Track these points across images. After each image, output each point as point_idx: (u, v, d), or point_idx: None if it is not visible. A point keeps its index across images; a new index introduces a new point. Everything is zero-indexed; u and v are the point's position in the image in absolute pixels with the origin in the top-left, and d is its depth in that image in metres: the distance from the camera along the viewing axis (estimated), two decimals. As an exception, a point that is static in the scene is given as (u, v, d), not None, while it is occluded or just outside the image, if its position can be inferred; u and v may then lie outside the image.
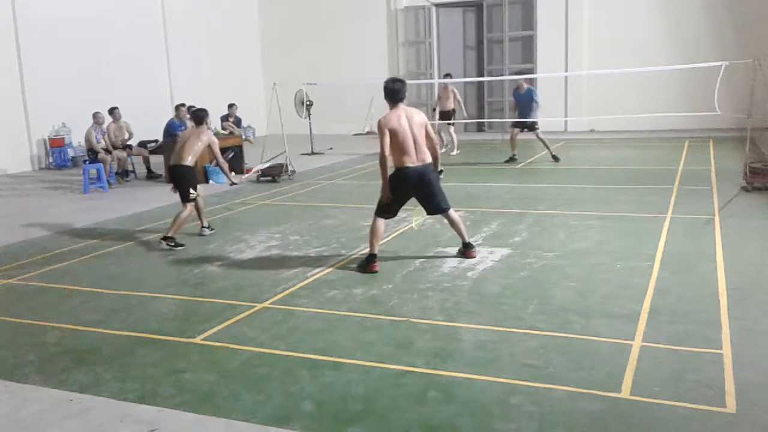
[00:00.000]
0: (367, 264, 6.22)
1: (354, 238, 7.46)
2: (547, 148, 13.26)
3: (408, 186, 6.23)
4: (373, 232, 6.27)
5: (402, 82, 6.24)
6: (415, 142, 6.11)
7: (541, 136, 13.27)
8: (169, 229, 7.48)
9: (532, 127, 13.28)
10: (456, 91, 15.31)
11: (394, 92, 6.16)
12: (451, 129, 15.42)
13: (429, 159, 6.21)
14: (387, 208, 6.33)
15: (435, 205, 6.38)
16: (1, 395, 3.98)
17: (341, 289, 5.67)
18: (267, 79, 20.17)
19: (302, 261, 6.59)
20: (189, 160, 7.70)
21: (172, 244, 7.36)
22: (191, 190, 7.65)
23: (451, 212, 6.44)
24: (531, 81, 18.69)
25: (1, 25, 14.46)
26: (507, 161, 13.27)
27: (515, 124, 13.56)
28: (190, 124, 13.01)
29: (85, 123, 12.62)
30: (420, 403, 3.63)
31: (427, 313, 5.03)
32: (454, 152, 15.04)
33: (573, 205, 8.78)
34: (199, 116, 8.00)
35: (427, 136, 6.22)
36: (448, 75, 15.97)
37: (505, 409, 3.53)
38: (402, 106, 6.18)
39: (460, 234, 6.50)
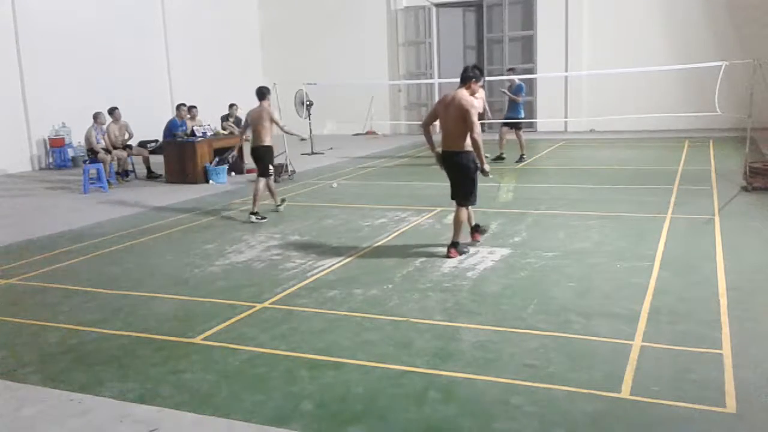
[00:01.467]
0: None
1: (354, 238, 7.46)
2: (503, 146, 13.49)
3: (444, 167, 6.56)
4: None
5: (478, 69, 6.51)
6: (444, 128, 6.39)
7: (512, 136, 13.42)
8: (253, 205, 8.69)
9: (518, 125, 13.34)
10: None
11: (462, 74, 6.43)
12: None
13: (456, 148, 6.33)
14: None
15: (455, 194, 6.56)
16: (1, 395, 3.97)
17: (341, 289, 5.67)
18: (267, 79, 20.15)
19: (302, 261, 6.59)
20: (267, 141, 8.79)
21: (260, 217, 8.56)
22: (270, 167, 8.85)
23: (462, 210, 6.52)
24: (531, 81, 18.83)
25: (1, 25, 14.46)
26: (495, 159, 13.39)
27: (505, 123, 13.59)
28: (190, 123, 13.05)
29: (85, 123, 12.62)
30: (420, 403, 3.63)
31: (427, 313, 5.03)
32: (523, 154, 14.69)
33: (573, 205, 8.78)
34: (261, 92, 9.01)
35: (469, 128, 6.18)
36: (512, 69, 15.24)
37: (505, 409, 3.53)
38: (459, 91, 6.33)
39: (453, 231, 6.57)
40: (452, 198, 6.64)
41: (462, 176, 6.43)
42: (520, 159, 13.34)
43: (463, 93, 6.31)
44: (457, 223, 6.52)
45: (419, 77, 21.03)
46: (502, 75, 18.42)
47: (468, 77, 6.35)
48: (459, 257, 6.44)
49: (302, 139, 9.27)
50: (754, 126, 10.58)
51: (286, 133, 9.36)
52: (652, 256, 6.24)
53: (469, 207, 6.66)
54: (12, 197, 11.66)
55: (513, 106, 13.40)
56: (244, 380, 4.01)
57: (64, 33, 15.57)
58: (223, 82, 20.33)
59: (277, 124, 8.83)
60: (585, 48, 18.78)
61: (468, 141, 6.25)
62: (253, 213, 8.57)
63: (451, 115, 6.25)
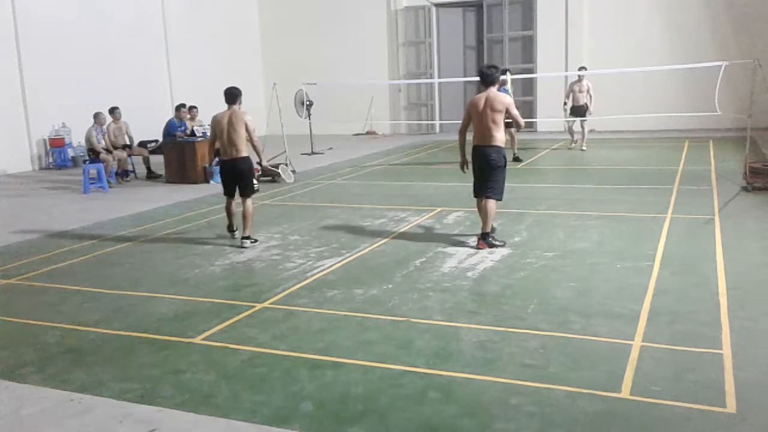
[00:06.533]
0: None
1: (354, 238, 7.46)
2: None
3: (474, 163, 6.84)
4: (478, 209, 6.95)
5: (495, 68, 6.88)
6: (479, 126, 6.69)
7: None
8: (244, 229, 7.24)
9: None
10: (590, 85, 14.73)
11: (483, 76, 6.79)
12: (585, 124, 14.89)
13: (493, 143, 6.65)
14: (474, 187, 6.90)
15: (482, 188, 6.78)
16: (1, 395, 3.97)
17: (341, 289, 5.67)
18: (267, 79, 20.18)
19: (302, 261, 6.59)
20: (245, 151, 7.20)
21: (254, 239, 7.29)
22: (255, 183, 7.31)
23: (490, 202, 6.71)
24: (531, 81, 18.83)
25: (1, 25, 14.46)
26: None
27: None
28: (190, 124, 13.04)
29: (85, 123, 12.61)
30: (420, 403, 3.63)
31: (427, 313, 5.03)
32: (584, 147, 14.69)
33: (573, 205, 8.78)
34: (233, 94, 7.33)
35: (514, 120, 6.72)
36: (583, 68, 15.20)
37: (505, 409, 3.53)
38: (491, 90, 6.71)
39: (483, 223, 6.77)
40: (476, 195, 6.86)
41: (494, 169, 6.69)
42: None
43: (497, 92, 6.72)
44: (486, 215, 6.70)
45: (419, 77, 21.02)
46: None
47: (496, 78, 6.79)
48: (459, 258, 6.44)
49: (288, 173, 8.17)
50: (754, 126, 10.58)
51: (258, 153, 7.51)
52: (652, 256, 6.24)
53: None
54: (12, 197, 11.66)
55: None
56: (244, 380, 4.01)
57: (65, 33, 15.56)
58: (223, 82, 20.22)
59: (250, 136, 7.24)
60: (585, 48, 18.77)
61: (501, 136, 6.65)
62: (245, 237, 7.23)
63: (489, 113, 6.60)
